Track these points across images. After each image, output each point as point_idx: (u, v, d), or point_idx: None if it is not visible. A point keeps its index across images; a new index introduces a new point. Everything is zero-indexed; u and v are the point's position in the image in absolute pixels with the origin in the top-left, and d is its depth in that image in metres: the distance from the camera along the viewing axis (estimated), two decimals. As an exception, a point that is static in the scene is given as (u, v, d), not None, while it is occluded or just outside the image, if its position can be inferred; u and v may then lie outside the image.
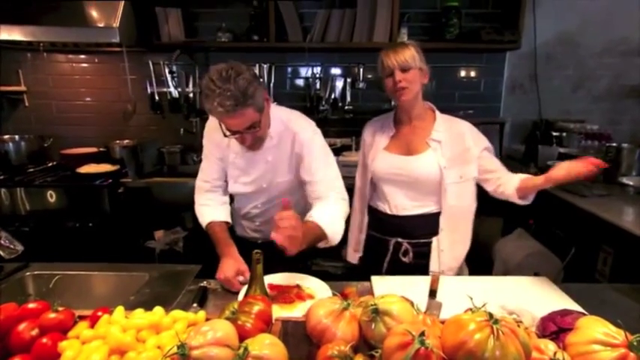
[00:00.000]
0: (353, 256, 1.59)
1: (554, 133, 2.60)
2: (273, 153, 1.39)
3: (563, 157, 2.43)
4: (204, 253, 2.53)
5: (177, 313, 0.69)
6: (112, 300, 1.16)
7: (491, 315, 0.59)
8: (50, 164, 2.83)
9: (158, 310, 0.69)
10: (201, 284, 1.15)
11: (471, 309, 0.99)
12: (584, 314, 0.79)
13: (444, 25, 2.63)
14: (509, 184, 1.40)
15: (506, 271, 2.15)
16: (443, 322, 0.68)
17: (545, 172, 2.30)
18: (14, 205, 2.38)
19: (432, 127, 1.47)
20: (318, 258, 2.59)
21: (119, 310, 0.69)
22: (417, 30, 2.77)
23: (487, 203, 2.48)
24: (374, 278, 1.21)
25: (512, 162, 2.68)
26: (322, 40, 2.67)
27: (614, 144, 2.30)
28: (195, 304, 1.04)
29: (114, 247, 2.43)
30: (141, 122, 3.00)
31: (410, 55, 1.36)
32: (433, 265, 1.46)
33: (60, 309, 0.70)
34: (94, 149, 2.83)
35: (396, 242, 1.47)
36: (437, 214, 1.45)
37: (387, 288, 1.15)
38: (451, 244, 1.46)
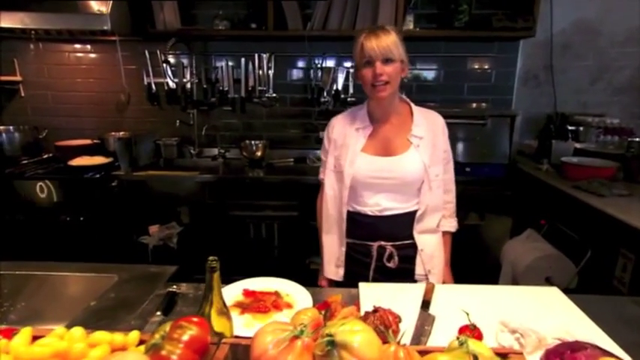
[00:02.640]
0: (336, 272, 1.42)
1: (570, 128, 2.43)
2: None
3: (579, 153, 2.26)
4: (198, 249, 2.47)
5: (100, 336, 0.57)
6: (74, 304, 1.07)
7: (475, 357, 0.46)
8: (46, 156, 2.77)
9: (75, 331, 0.57)
10: (170, 289, 1.04)
11: (467, 327, 0.87)
12: (599, 349, 0.66)
13: (453, 12, 2.47)
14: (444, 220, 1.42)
15: (515, 275, 2.01)
16: (422, 353, 0.56)
17: (559, 168, 2.17)
18: (5, 197, 2.33)
19: (411, 122, 1.33)
20: (315, 256, 2.49)
21: (24, 333, 0.57)
22: (424, 17, 2.62)
23: (495, 201, 2.35)
24: (362, 285, 1.09)
25: (524, 158, 2.53)
26: (323, 28, 2.54)
27: (637, 139, 2.11)
28: (158, 312, 0.94)
29: (106, 242, 2.37)
30: (138, 114, 2.93)
31: (393, 42, 1.21)
32: (419, 269, 1.34)
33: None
34: (88, 141, 2.76)
35: (379, 246, 1.33)
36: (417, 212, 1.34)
37: (376, 296, 1.04)
38: (431, 244, 1.36)
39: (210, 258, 0.68)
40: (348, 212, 1.36)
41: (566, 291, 1.82)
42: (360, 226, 1.35)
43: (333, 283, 1.44)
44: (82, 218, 2.35)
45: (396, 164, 1.29)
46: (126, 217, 2.40)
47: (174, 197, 2.45)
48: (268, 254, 2.48)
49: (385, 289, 1.07)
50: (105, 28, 2.26)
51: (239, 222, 2.43)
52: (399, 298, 1.03)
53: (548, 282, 1.88)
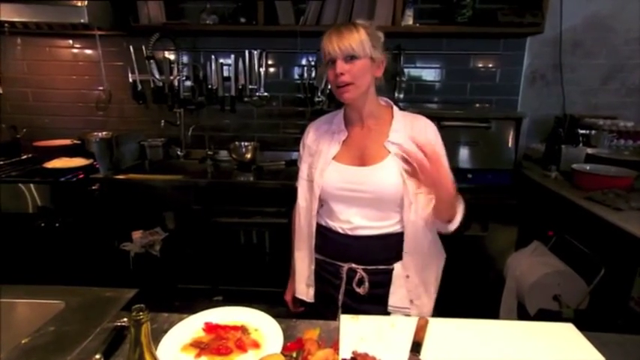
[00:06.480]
0: (306, 292, 1.28)
1: (581, 131, 2.26)
2: None
3: (591, 160, 2.10)
4: (182, 257, 2.33)
5: None
6: (15, 337, 0.93)
7: None
8: (25, 157, 2.63)
9: None
10: (119, 322, 0.89)
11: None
12: None
13: (456, 6, 2.31)
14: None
15: (520, 292, 1.85)
16: None
17: (570, 176, 2.01)
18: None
19: (390, 128, 1.18)
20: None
21: None
22: (424, 12, 2.46)
23: (499, 210, 2.18)
24: (344, 318, 0.94)
25: (531, 164, 2.36)
26: (317, 23, 2.38)
27: (655, 145, 1.96)
28: (98, 355, 0.79)
29: (84, 250, 2.23)
30: (123, 113, 2.78)
31: (357, 40, 1.06)
32: (393, 299, 1.17)
33: None
34: (67, 141, 2.61)
35: (349, 269, 1.18)
36: (399, 235, 1.15)
37: (359, 333, 0.88)
38: (419, 269, 1.17)
39: (136, 307, 0.53)
40: (320, 227, 1.23)
41: (577, 312, 1.69)
42: (330, 243, 1.21)
43: (300, 303, 1.34)
44: (57, 224, 2.20)
45: (368, 176, 1.14)
46: (106, 223, 2.26)
47: (158, 202, 2.30)
48: (258, 263, 2.34)
49: (370, 324, 0.92)
50: (82, 21, 2.12)
51: (227, 228, 2.29)
52: (385, 337, 0.87)
53: (557, 301, 1.72)
